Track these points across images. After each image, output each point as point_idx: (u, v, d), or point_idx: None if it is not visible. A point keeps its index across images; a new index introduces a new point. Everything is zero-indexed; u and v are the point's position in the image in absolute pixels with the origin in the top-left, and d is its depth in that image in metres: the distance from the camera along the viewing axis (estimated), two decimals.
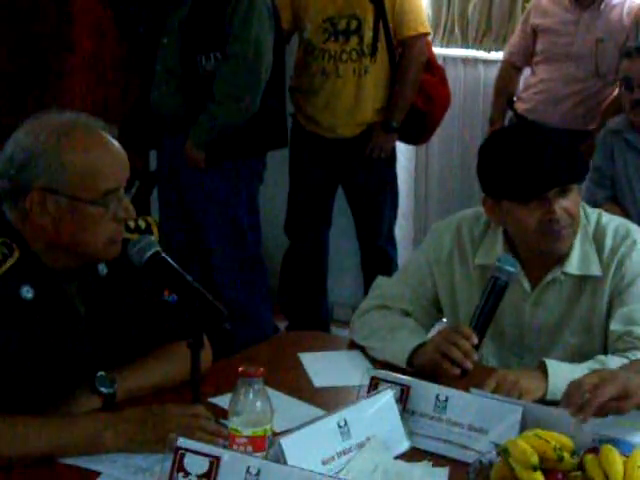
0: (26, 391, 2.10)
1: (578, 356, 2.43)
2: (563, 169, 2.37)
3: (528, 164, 2.36)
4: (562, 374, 2.30)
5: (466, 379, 2.29)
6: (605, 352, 2.44)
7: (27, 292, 2.10)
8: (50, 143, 2.08)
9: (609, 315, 2.47)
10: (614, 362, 2.34)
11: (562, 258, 2.47)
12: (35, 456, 1.97)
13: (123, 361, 2.24)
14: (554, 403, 2.25)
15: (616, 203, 4.11)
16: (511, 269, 2.37)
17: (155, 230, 2.32)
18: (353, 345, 2.64)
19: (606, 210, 2.64)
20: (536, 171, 2.35)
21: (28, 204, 2.09)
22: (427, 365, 2.37)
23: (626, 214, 3.88)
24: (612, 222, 2.51)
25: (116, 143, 2.16)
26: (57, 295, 2.15)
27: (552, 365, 2.31)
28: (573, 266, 2.46)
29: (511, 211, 2.42)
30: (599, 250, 2.47)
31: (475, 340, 2.33)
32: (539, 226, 2.39)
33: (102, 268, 2.23)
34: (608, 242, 2.47)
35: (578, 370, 2.31)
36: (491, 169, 2.44)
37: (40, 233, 2.11)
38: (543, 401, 2.26)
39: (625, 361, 2.34)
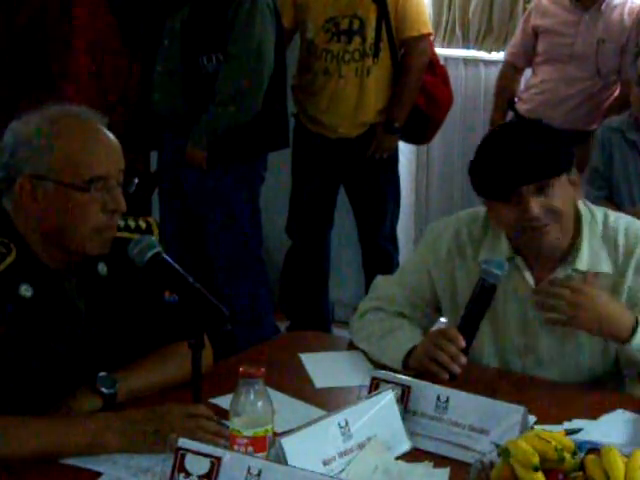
0: (26, 390, 2.10)
1: (590, 356, 2.43)
2: (533, 165, 2.34)
3: (495, 162, 2.37)
4: None
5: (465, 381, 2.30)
6: (617, 352, 2.44)
7: (26, 290, 2.11)
8: (39, 129, 2.11)
9: None
10: None
11: (569, 255, 2.46)
12: (37, 456, 1.97)
13: (124, 361, 2.24)
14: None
15: (612, 203, 4.11)
16: (497, 272, 2.37)
17: (156, 230, 2.32)
18: (354, 346, 2.64)
19: None
20: (502, 169, 2.35)
21: (17, 190, 2.11)
22: (418, 368, 2.37)
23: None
24: (620, 221, 2.50)
25: (110, 134, 2.17)
26: (56, 293, 2.15)
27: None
28: (583, 263, 2.45)
29: (494, 210, 2.43)
30: (611, 248, 2.46)
31: (462, 343, 2.33)
32: (518, 225, 2.38)
33: (102, 267, 2.23)
34: (621, 241, 2.46)
35: None
36: (471, 168, 2.46)
37: (31, 222, 2.12)
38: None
39: None
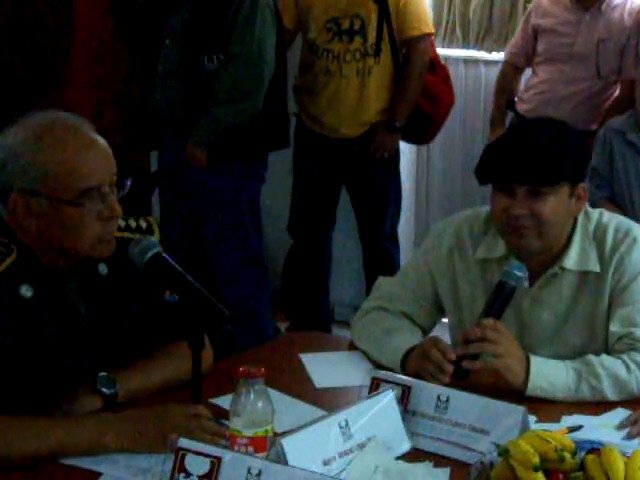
0: (26, 390, 2.10)
1: (580, 355, 2.43)
2: (531, 169, 2.35)
3: (501, 151, 2.40)
4: (545, 371, 2.31)
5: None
6: (607, 353, 2.44)
7: (26, 291, 2.10)
8: (27, 143, 2.08)
9: (609, 315, 2.47)
10: (605, 362, 2.34)
11: (560, 254, 2.47)
12: (37, 457, 1.97)
13: (124, 361, 2.24)
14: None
15: (613, 203, 4.11)
16: (519, 273, 2.36)
17: (156, 230, 2.32)
18: (354, 346, 2.64)
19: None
20: (503, 160, 2.38)
21: (11, 206, 2.09)
22: (414, 373, 2.36)
23: (623, 214, 3.87)
24: (613, 220, 2.51)
25: (99, 139, 2.14)
26: (56, 294, 2.15)
27: (536, 362, 2.32)
28: (571, 262, 2.46)
29: (492, 194, 2.44)
30: (599, 247, 2.47)
31: (452, 356, 2.31)
32: (502, 217, 2.40)
33: (103, 268, 2.23)
34: (609, 240, 2.47)
35: (562, 370, 2.33)
36: (484, 149, 2.48)
37: (29, 233, 2.11)
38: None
39: (617, 362, 2.35)
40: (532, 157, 2.36)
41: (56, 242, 2.12)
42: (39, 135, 2.09)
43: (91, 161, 2.10)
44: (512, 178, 2.37)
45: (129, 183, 2.17)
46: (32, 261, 2.13)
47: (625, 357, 2.36)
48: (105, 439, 2.01)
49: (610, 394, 2.32)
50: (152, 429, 2.02)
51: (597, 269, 2.46)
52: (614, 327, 2.43)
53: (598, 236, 2.48)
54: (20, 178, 2.07)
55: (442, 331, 2.64)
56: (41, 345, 2.12)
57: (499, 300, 2.37)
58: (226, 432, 1.96)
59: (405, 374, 2.34)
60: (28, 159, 2.07)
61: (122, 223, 2.25)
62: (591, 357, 2.37)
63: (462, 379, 2.29)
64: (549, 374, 2.32)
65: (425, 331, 2.61)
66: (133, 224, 2.29)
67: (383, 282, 2.73)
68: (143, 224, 2.32)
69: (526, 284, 2.46)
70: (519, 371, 2.31)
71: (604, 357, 2.37)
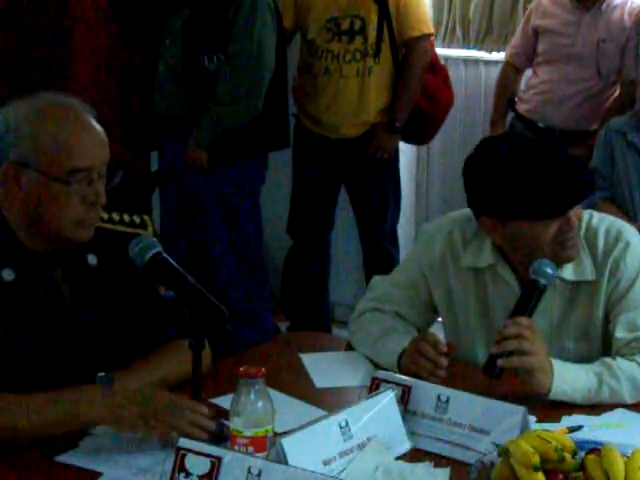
0: (8, 374, 2.08)
1: (577, 362, 2.42)
2: (582, 185, 2.35)
3: (551, 185, 2.31)
4: (567, 376, 2.29)
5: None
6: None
7: (8, 275, 2.11)
8: (26, 117, 2.11)
9: (607, 321, 2.45)
10: (621, 364, 2.33)
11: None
12: (16, 433, 1.96)
13: (117, 356, 2.22)
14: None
15: (614, 204, 4.11)
16: (551, 271, 2.33)
17: (150, 226, 2.32)
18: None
19: (604, 210, 2.62)
20: (561, 191, 2.32)
21: (2, 176, 2.11)
22: (409, 372, 2.35)
23: (624, 215, 3.87)
24: (603, 223, 2.48)
25: (96, 126, 2.16)
26: (40, 279, 2.15)
27: (557, 365, 2.30)
28: (568, 272, 2.43)
29: (523, 229, 2.36)
30: (591, 252, 2.44)
31: (444, 348, 2.31)
32: (555, 238, 2.36)
33: (92, 258, 2.23)
34: (600, 244, 2.44)
35: (583, 373, 2.31)
36: (501, 191, 2.35)
37: (16, 206, 2.13)
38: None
39: (633, 364, 2.33)
40: (574, 177, 2.34)
41: (39, 219, 2.13)
42: (40, 111, 2.12)
43: (85, 143, 2.13)
44: (570, 203, 2.34)
45: (120, 176, 2.18)
46: (14, 244, 2.14)
47: (638, 359, 2.34)
48: (83, 409, 2.00)
49: (628, 396, 2.31)
50: (134, 406, 2.00)
51: (593, 277, 2.44)
52: (619, 333, 2.40)
53: (589, 240, 2.45)
54: (15, 149, 2.11)
55: (438, 331, 2.63)
56: (23, 329, 2.11)
57: (533, 299, 2.32)
58: (212, 425, 1.96)
59: (402, 374, 2.35)
60: (25, 131, 2.10)
61: (116, 217, 2.26)
62: (608, 359, 2.35)
63: (497, 377, 2.25)
64: (571, 379, 2.29)
65: (420, 331, 2.60)
66: (127, 219, 2.30)
67: (377, 282, 2.72)
68: (137, 219, 2.34)
69: (516, 286, 2.45)
70: (549, 372, 2.28)
71: (619, 360, 2.35)
